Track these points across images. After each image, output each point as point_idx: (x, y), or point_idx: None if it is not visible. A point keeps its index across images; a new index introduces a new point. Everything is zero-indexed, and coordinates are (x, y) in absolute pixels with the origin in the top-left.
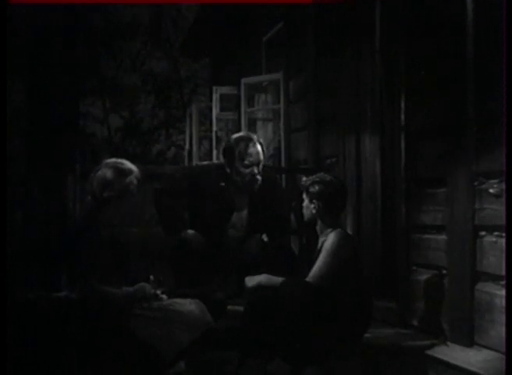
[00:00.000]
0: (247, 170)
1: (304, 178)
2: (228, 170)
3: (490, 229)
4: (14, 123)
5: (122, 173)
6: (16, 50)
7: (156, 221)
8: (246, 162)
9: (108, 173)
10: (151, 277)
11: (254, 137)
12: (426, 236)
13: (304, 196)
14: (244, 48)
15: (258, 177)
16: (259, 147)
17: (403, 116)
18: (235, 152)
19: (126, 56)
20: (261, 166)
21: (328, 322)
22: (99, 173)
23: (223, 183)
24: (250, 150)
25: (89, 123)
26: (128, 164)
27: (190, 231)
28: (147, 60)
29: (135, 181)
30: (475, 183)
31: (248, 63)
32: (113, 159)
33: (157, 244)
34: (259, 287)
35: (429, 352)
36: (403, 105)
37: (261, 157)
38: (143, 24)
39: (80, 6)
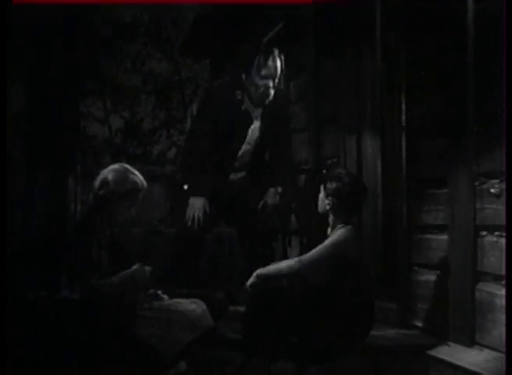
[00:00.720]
0: (262, 82)
1: (325, 170)
2: (244, 78)
3: (491, 229)
4: (14, 123)
5: (126, 179)
6: (16, 50)
7: (158, 221)
8: (262, 73)
9: (111, 175)
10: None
11: (276, 51)
12: (427, 236)
13: (322, 188)
14: (244, 49)
15: (271, 91)
16: (278, 61)
17: (403, 116)
18: (254, 62)
19: (126, 57)
20: (276, 81)
21: (328, 319)
22: (104, 171)
23: (239, 93)
24: (269, 62)
25: (90, 123)
26: (136, 176)
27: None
28: (148, 61)
29: (135, 191)
30: (476, 183)
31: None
32: (125, 166)
33: (158, 244)
34: (259, 279)
35: (430, 352)
36: (403, 104)
37: (279, 71)
38: (143, 25)
39: (81, 7)
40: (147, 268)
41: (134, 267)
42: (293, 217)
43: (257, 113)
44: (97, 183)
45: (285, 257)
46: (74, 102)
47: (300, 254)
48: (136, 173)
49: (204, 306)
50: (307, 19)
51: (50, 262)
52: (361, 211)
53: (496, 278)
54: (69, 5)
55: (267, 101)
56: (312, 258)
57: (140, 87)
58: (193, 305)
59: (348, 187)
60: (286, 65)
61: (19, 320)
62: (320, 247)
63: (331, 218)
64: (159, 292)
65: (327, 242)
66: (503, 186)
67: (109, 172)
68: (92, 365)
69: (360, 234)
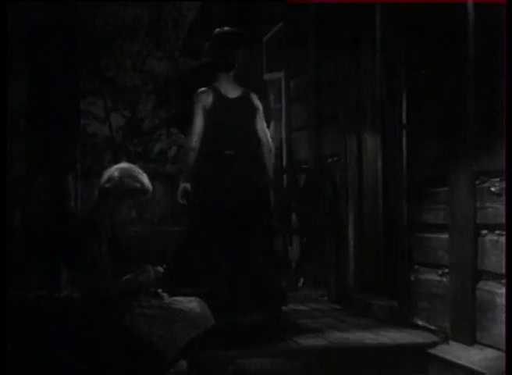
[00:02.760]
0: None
1: None
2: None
3: (492, 227)
4: (14, 122)
5: (133, 178)
6: (16, 50)
7: (158, 220)
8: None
9: (116, 173)
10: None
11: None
12: (428, 235)
13: None
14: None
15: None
16: None
17: (404, 115)
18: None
19: (127, 56)
20: None
21: None
22: (112, 168)
23: None
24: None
25: (90, 122)
26: (143, 177)
27: None
28: (148, 60)
29: (139, 192)
30: (477, 182)
31: (249, 63)
32: (134, 166)
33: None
34: None
35: (431, 351)
36: (403, 104)
37: None
38: (143, 24)
39: (81, 7)
40: (157, 269)
41: (141, 270)
42: (294, 217)
43: None
44: (103, 178)
45: (285, 256)
46: (74, 101)
47: (301, 254)
48: (145, 175)
49: (205, 305)
50: (308, 19)
51: (50, 261)
52: None
53: (496, 277)
54: (70, 6)
55: None
56: None
57: (140, 87)
58: (193, 304)
59: None
60: (288, 63)
61: (19, 320)
62: None
63: None
64: (159, 290)
65: None
66: (504, 185)
67: (117, 169)
68: (92, 364)
69: None
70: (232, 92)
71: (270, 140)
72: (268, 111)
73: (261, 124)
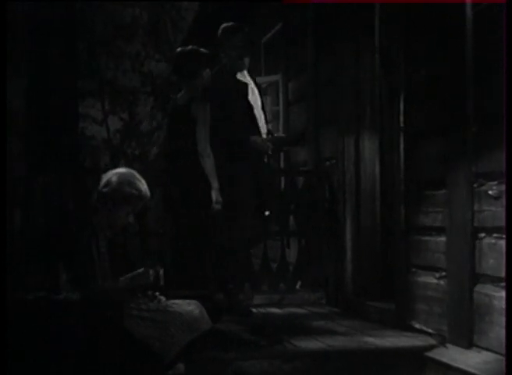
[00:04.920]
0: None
1: None
2: None
3: (489, 231)
4: (14, 124)
5: (131, 184)
6: (15, 50)
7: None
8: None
9: (115, 178)
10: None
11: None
12: (425, 238)
13: None
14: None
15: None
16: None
17: (402, 117)
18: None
19: (126, 58)
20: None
21: None
22: (110, 172)
23: None
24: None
25: (88, 124)
26: (141, 184)
27: None
28: (147, 62)
29: (137, 198)
30: (475, 185)
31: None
32: (133, 172)
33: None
34: None
35: (428, 354)
36: (402, 105)
37: None
38: (142, 25)
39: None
40: (154, 270)
41: (139, 271)
42: (291, 219)
43: None
44: (102, 182)
45: (283, 258)
46: (73, 103)
47: (299, 255)
48: (143, 181)
49: (202, 307)
50: (307, 20)
51: (50, 262)
52: None
53: (494, 280)
54: (70, 6)
55: None
56: None
57: (138, 88)
58: (190, 307)
59: None
60: (286, 65)
61: (18, 321)
62: None
63: None
64: (157, 293)
65: None
66: (502, 188)
67: (115, 174)
68: (91, 366)
69: None
70: None
71: None
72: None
73: None
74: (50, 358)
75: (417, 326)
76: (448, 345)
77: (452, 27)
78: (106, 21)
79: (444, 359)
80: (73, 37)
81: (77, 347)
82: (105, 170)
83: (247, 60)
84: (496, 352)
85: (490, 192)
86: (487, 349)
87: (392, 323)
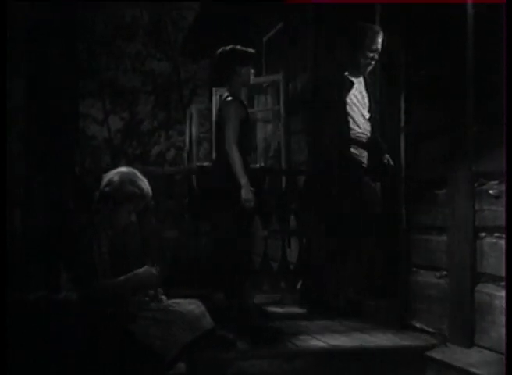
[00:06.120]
0: (371, 54)
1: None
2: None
3: (490, 230)
4: (14, 123)
5: (132, 183)
6: (15, 50)
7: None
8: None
9: (116, 177)
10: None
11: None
12: (426, 237)
13: None
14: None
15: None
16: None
17: (403, 117)
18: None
19: (126, 57)
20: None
21: None
22: (112, 171)
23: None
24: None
25: (89, 124)
26: (143, 183)
27: None
28: (147, 61)
29: (139, 197)
30: (475, 185)
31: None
32: (135, 171)
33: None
34: None
35: (429, 353)
36: (402, 105)
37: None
38: (143, 25)
39: (81, 7)
40: (156, 268)
41: (142, 269)
42: (292, 218)
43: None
44: (104, 181)
45: (284, 258)
46: (73, 103)
47: (299, 255)
48: (145, 180)
49: (203, 307)
50: (307, 20)
51: (50, 262)
52: None
53: (495, 279)
54: (70, 6)
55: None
56: None
57: (139, 88)
58: (191, 306)
59: None
60: (286, 65)
61: (18, 321)
62: None
63: None
64: (158, 293)
65: None
66: (502, 187)
67: (117, 173)
68: (91, 365)
69: None
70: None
71: None
72: None
73: None
74: (50, 358)
75: (418, 325)
76: (449, 345)
77: (452, 27)
78: (106, 21)
79: (445, 359)
80: (73, 37)
81: (77, 347)
82: (106, 170)
83: None
84: (497, 352)
85: (491, 191)
86: (488, 348)
87: (393, 322)
